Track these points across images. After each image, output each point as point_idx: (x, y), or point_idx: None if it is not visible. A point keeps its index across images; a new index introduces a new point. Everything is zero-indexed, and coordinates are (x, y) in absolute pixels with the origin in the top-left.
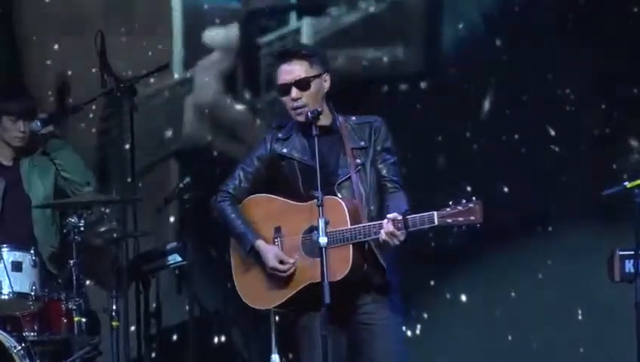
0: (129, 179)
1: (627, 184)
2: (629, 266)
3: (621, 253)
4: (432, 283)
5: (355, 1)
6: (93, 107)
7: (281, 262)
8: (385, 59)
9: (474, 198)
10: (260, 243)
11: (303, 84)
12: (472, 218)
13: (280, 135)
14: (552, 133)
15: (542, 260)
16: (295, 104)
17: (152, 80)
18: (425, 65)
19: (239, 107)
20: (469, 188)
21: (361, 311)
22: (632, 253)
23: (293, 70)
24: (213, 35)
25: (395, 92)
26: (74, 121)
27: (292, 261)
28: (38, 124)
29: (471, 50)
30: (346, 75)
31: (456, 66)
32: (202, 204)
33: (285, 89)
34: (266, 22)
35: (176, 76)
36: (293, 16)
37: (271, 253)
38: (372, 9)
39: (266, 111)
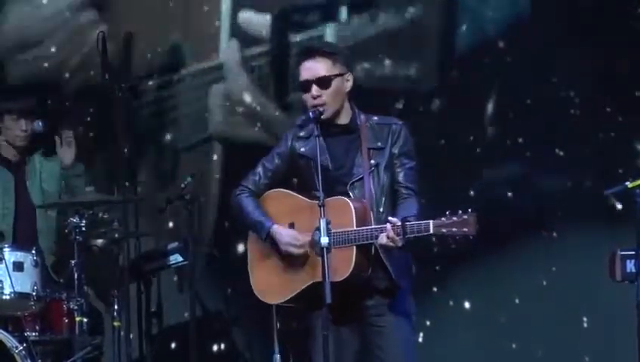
0: (127, 182)
1: (628, 184)
2: (630, 266)
3: (622, 253)
4: (435, 289)
5: (377, 13)
6: (91, 109)
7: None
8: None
9: (469, 210)
10: (276, 227)
11: (324, 82)
12: (465, 229)
13: (302, 133)
14: (556, 136)
15: (546, 266)
16: (315, 102)
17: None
18: (437, 79)
19: (266, 101)
20: (471, 193)
21: (372, 313)
22: (633, 252)
23: (315, 67)
24: (248, 17)
25: (399, 98)
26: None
27: (308, 238)
28: (40, 124)
29: (473, 52)
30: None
31: (457, 68)
32: (204, 203)
33: (306, 86)
34: (301, 19)
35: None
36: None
37: (286, 232)
38: (390, 24)
39: (294, 107)
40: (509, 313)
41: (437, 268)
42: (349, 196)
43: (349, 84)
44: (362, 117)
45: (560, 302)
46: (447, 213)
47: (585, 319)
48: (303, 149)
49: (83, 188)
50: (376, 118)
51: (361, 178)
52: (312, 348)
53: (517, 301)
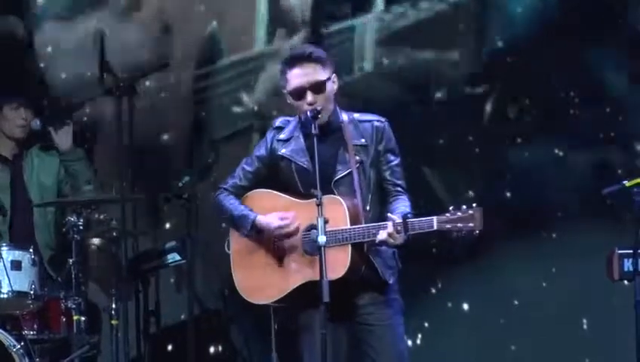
0: (124, 182)
1: (626, 182)
2: (628, 265)
3: (620, 251)
4: (433, 291)
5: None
6: (88, 110)
7: (284, 220)
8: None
9: (474, 205)
10: (260, 217)
11: (318, 87)
12: (471, 224)
13: (281, 136)
14: (556, 136)
15: (545, 267)
16: (311, 108)
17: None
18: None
19: None
20: (471, 193)
21: (361, 311)
22: (631, 251)
23: (307, 73)
24: (292, 4)
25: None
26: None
27: (293, 213)
28: (38, 123)
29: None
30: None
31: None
32: (202, 202)
33: (300, 92)
34: (337, 9)
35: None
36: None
37: (272, 217)
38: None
39: None
40: (508, 314)
41: (435, 269)
42: (333, 194)
43: (336, 86)
44: (343, 114)
45: (560, 303)
46: (451, 208)
47: (584, 319)
48: (284, 151)
49: (86, 172)
50: (357, 115)
51: (347, 175)
52: (304, 346)
53: (516, 302)
